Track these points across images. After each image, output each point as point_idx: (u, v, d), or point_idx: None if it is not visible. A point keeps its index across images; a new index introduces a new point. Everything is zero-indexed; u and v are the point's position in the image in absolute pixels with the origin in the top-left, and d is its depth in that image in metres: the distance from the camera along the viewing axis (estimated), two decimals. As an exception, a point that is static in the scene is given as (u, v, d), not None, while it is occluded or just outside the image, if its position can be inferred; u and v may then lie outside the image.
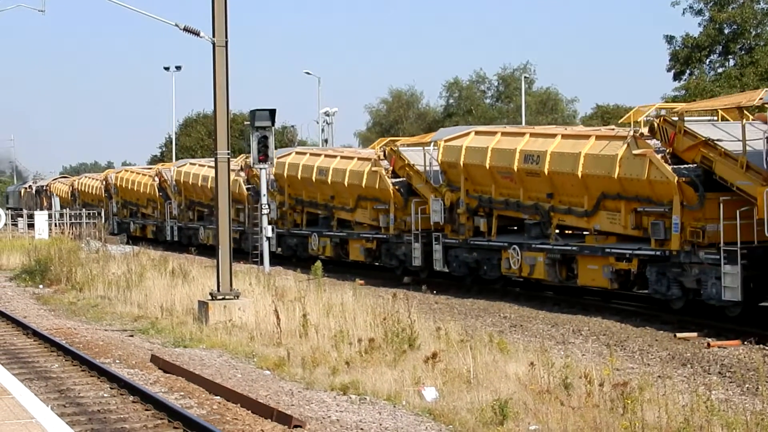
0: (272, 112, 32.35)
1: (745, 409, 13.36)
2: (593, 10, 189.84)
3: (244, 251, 43.14)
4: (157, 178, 61.56)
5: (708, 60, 69.47)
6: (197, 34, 25.34)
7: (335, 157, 41.29)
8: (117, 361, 20.04)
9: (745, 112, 23.94)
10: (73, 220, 62.92)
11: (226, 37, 24.42)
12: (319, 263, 27.37)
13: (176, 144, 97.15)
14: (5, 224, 57.19)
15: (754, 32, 67.17)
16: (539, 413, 13.65)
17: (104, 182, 71.97)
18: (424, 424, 14.22)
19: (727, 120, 26.22)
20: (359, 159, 39.48)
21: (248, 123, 34.21)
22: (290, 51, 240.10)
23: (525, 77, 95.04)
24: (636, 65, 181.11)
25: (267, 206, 34.38)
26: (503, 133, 31.71)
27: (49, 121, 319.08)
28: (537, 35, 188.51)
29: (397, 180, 36.42)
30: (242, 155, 50.84)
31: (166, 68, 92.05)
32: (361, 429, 14.09)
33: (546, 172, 28.68)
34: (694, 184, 24.29)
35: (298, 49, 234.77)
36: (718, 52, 69.01)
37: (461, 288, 32.65)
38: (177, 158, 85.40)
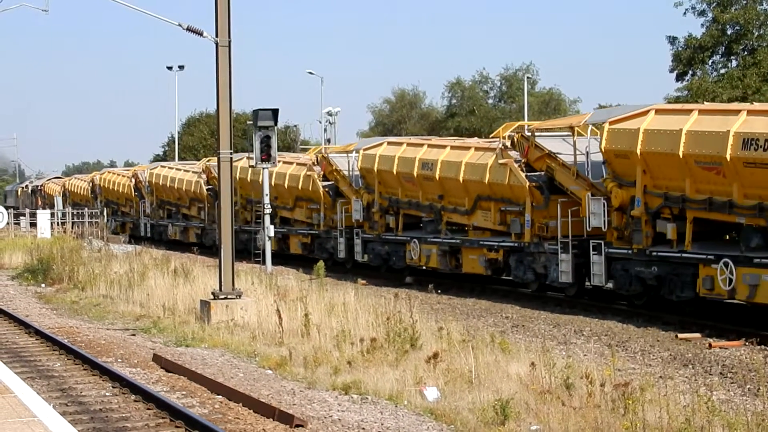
0: (275, 112, 32.35)
1: (746, 410, 13.35)
2: (596, 10, 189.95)
3: (206, 245, 50.41)
4: (133, 179, 65.90)
5: (710, 61, 69.38)
6: (200, 34, 25.36)
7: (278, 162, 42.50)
8: (119, 360, 20.07)
9: (593, 128, 28.76)
10: (75, 219, 63.18)
11: (229, 36, 24.44)
12: (321, 263, 27.56)
13: (179, 143, 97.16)
14: (7, 223, 57.26)
15: (756, 33, 67.06)
16: (540, 413, 13.67)
17: (90, 183, 75.98)
18: (425, 424, 14.23)
19: (582, 135, 29.29)
20: (297, 164, 44.33)
21: (251, 122, 34.20)
22: (293, 51, 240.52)
23: (528, 77, 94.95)
24: (638, 66, 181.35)
25: (269, 206, 34.51)
26: (408, 144, 36.55)
27: (53, 121, 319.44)
28: (540, 35, 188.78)
29: (327, 183, 41.38)
30: (204, 159, 58.57)
31: (169, 68, 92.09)
32: (363, 429, 14.11)
33: (437, 177, 33.32)
34: (541, 189, 29.28)
35: (300, 48, 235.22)
36: (720, 53, 68.90)
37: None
38: (179, 158, 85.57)
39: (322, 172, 41.57)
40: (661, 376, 16.34)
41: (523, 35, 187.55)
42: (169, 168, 61.71)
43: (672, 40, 69.88)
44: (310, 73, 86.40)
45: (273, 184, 41.99)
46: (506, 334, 23.08)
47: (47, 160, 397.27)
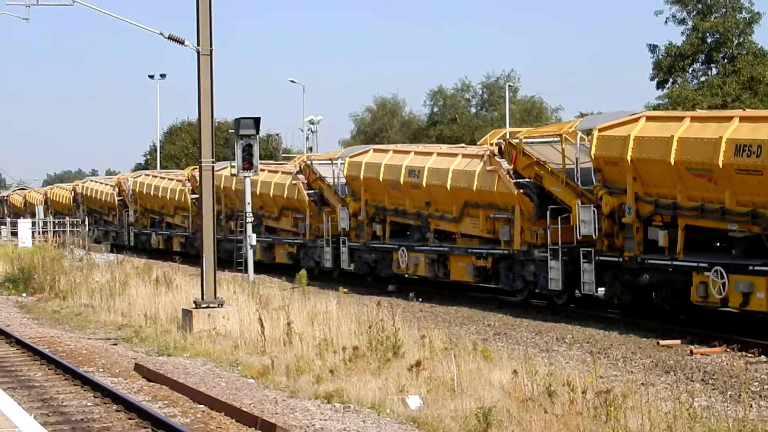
0: (257, 121, 32.36)
1: (727, 416, 13.42)
2: (577, 19, 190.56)
3: (190, 254, 49.96)
4: (116, 188, 65.39)
5: (691, 69, 69.74)
6: (182, 42, 25.33)
7: (263, 171, 43.55)
8: (101, 370, 20.00)
9: (582, 135, 28.48)
10: (57, 228, 63.04)
11: (211, 45, 24.41)
12: (303, 272, 27.52)
13: (161, 152, 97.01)
14: None
15: (736, 41, 67.46)
16: (523, 421, 13.69)
17: (73, 192, 75.90)
18: (408, 432, 14.23)
19: (570, 142, 28.48)
20: (283, 173, 44.19)
21: (233, 131, 34.20)
22: (275, 59, 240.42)
23: (509, 85, 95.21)
24: (620, 74, 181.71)
25: (251, 214, 34.54)
26: (395, 151, 36.79)
27: (35, 129, 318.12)
28: (521, 43, 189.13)
29: (312, 191, 40.97)
30: (189, 167, 59.12)
31: (151, 76, 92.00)
32: (345, 437, 14.10)
33: (424, 185, 33.29)
34: (530, 196, 28.92)
35: (282, 57, 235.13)
36: (700, 61, 69.29)
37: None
38: (161, 166, 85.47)
39: (306, 181, 41.28)
40: (642, 383, 16.37)
41: (504, 43, 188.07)
42: (154, 176, 61.37)
43: (652, 48, 70.26)
44: (292, 81, 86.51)
45: (258, 193, 43.04)
46: (489, 341, 23.10)
47: (28, 168, 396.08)
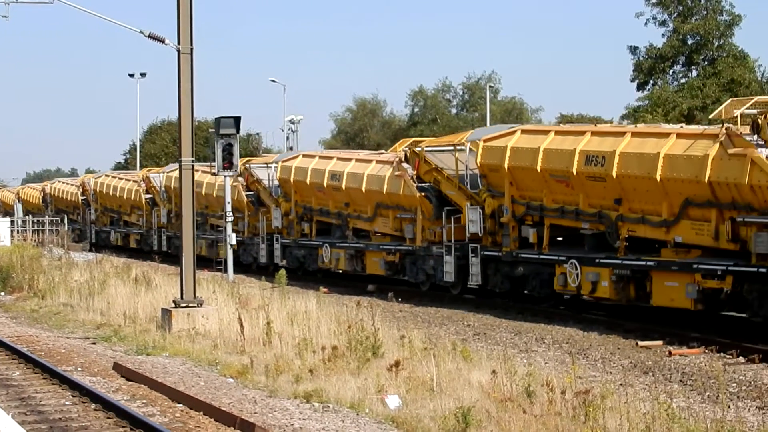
0: (237, 120, 32.28)
1: (705, 417, 13.46)
2: (558, 19, 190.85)
3: (144, 250, 54.76)
4: (80, 188, 69.46)
5: (671, 71, 70.04)
6: (162, 41, 25.25)
7: (207, 173, 46.36)
8: (79, 369, 19.93)
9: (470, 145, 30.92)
10: (36, 227, 63.18)
11: (191, 44, 24.34)
12: (283, 271, 27.56)
13: (140, 151, 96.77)
14: None
15: (716, 43, 67.79)
16: (502, 421, 13.69)
17: (42, 192, 79.82)
18: (387, 432, 14.23)
19: (463, 151, 31.79)
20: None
21: (213, 130, 34.14)
22: (255, 58, 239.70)
23: (490, 86, 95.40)
24: (601, 75, 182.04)
25: (230, 214, 34.52)
26: (320, 157, 40.13)
27: (14, 127, 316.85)
28: (502, 44, 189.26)
29: (250, 193, 43.96)
30: (144, 169, 65.02)
31: (131, 75, 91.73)
32: (324, 437, 14.08)
33: (344, 187, 35.95)
34: (429, 198, 32.34)
35: (263, 56, 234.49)
36: (681, 62, 69.60)
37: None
38: (141, 165, 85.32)
39: (245, 183, 44.35)
40: (621, 384, 16.42)
41: (485, 44, 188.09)
42: (113, 177, 65.54)
43: (633, 49, 70.55)
44: (273, 81, 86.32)
45: (204, 193, 46.32)
46: (468, 342, 23.12)
47: (7, 167, 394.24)
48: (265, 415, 15.30)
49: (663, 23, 68.71)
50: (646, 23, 69.44)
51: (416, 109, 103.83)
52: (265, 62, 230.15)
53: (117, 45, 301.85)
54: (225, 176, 33.77)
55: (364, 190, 35.60)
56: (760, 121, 22.50)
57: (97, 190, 65.00)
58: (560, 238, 28.65)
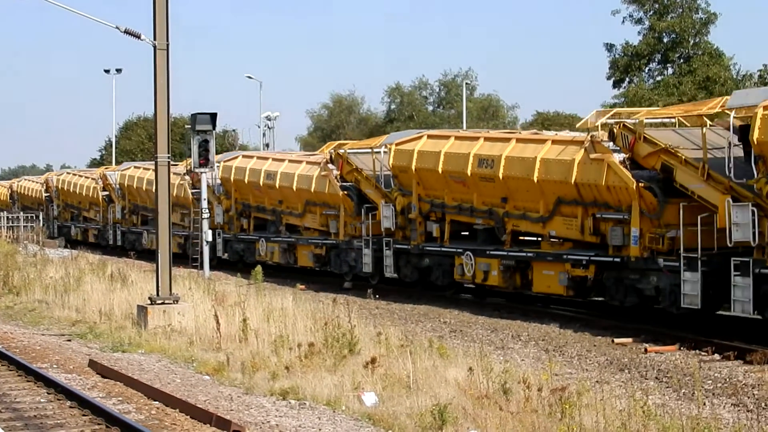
0: (213, 116, 32.24)
1: (681, 414, 13.51)
2: (535, 16, 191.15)
3: (102, 245, 58.09)
4: (44, 185, 72.18)
5: (647, 68, 70.24)
6: (138, 36, 25.14)
7: (148, 170, 48.51)
8: (54, 366, 19.83)
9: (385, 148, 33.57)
10: (11, 224, 63.29)
11: (167, 40, 24.25)
12: (259, 268, 27.48)
13: (116, 147, 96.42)
14: None
15: (692, 41, 68.01)
16: (478, 418, 13.71)
17: (9, 189, 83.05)
18: (363, 429, 14.22)
19: (378, 153, 34.74)
20: (173, 174, 47.53)
21: (189, 126, 34.06)
22: (232, 54, 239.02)
23: (466, 83, 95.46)
24: (577, 73, 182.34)
25: (206, 210, 34.46)
26: (258, 157, 41.83)
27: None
28: (479, 41, 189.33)
29: (195, 190, 42.87)
30: (102, 167, 69.13)
31: (107, 71, 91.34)
32: (301, 434, 14.06)
33: (277, 186, 37.88)
34: (351, 197, 35.14)
35: (239, 52, 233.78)
36: (657, 60, 69.79)
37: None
38: (117, 162, 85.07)
39: (191, 181, 45.41)
40: (597, 381, 16.47)
41: (461, 41, 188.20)
42: (73, 174, 68.86)
43: (609, 47, 70.75)
44: (249, 77, 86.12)
45: (144, 189, 49.17)
46: (444, 339, 23.14)
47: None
48: (242, 413, 15.27)
49: (639, 21, 68.93)
50: (622, 21, 69.68)
51: (393, 106, 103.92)
52: (241, 58, 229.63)
53: (93, 40, 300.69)
54: (201, 173, 33.68)
55: (294, 188, 38.40)
56: (615, 130, 25.04)
57: (59, 187, 68.04)
58: (466, 233, 31.38)
